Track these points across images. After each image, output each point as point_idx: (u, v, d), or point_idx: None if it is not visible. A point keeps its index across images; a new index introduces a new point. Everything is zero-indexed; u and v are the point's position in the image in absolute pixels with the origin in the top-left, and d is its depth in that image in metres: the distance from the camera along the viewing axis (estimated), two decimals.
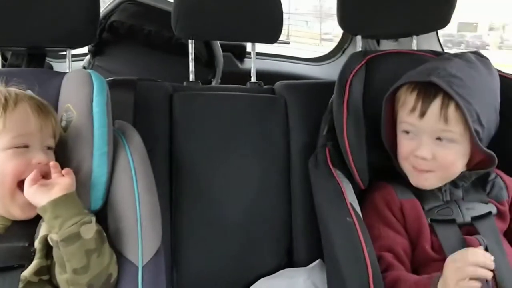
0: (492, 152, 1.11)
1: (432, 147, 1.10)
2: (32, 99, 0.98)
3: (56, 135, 1.00)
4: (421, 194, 1.16)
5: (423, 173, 1.12)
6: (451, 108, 1.07)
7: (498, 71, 1.21)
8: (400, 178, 1.18)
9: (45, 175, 0.93)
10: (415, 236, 1.13)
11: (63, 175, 0.93)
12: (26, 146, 0.93)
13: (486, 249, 1.06)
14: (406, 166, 1.16)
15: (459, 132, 1.08)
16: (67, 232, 0.87)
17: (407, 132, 1.13)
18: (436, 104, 1.07)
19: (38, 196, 0.90)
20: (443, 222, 1.12)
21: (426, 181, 1.14)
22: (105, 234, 0.93)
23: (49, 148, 0.98)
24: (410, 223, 1.13)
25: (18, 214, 0.93)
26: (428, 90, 1.09)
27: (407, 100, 1.12)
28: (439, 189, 1.16)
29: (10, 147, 0.91)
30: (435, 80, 1.07)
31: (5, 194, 0.91)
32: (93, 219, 0.92)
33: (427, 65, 1.16)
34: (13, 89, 0.98)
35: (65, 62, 1.37)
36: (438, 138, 1.09)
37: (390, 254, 1.09)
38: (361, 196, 1.21)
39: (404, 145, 1.14)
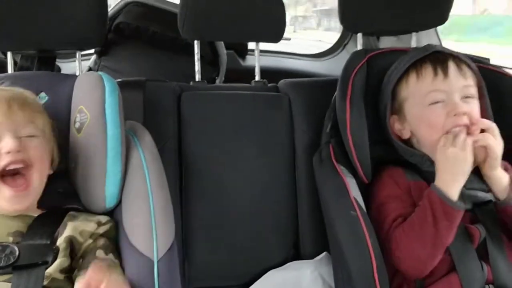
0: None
1: (464, 104, 1.14)
2: (1, 91, 0.99)
3: (37, 123, 1.00)
4: (428, 177, 1.18)
5: None
6: (463, 65, 1.18)
7: (492, 67, 1.31)
8: (406, 165, 1.21)
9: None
10: None
11: None
12: None
13: (485, 239, 1.10)
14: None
15: (474, 86, 1.18)
16: None
17: (436, 103, 1.15)
18: (451, 63, 1.17)
19: None
20: None
21: None
22: None
23: (29, 136, 0.97)
24: (418, 204, 1.15)
25: (6, 206, 0.94)
26: (437, 57, 1.18)
27: (424, 73, 1.18)
28: None
29: None
30: (438, 49, 1.21)
31: None
32: None
33: (413, 52, 1.25)
34: None
35: (72, 62, 1.40)
36: (463, 98, 1.15)
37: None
38: (367, 189, 1.23)
39: (437, 113, 1.15)
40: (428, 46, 1.23)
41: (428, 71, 1.17)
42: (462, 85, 1.16)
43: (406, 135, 1.22)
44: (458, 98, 1.14)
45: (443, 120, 1.13)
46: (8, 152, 0.92)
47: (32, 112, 0.99)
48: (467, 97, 1.15)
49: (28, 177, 0.95)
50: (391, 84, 1.22)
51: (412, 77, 1.19)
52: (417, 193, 1.16)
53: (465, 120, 1.12)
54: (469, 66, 1.19)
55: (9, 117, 0.95)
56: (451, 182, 1.08)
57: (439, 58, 1.18)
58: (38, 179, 0.97)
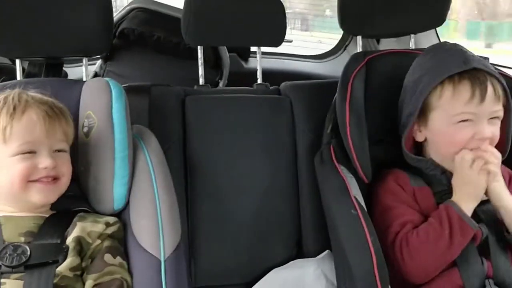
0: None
1: (489, 127, 1.14)
2: (43, 105, 1.01)
3: (68, 137, 1.05)
4: (431, 181, 1.20)
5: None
6: (499, 87, 1.14)
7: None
8: (408, 168, 1.23)
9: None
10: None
11: None
12: (33, 152, 0.97)
13: (486, 238, 1.12)
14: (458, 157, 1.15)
15: (502, 108, 1.16)
16: None
17: (464, 121, 1.13)
18: (490, 87, 1.12)
19: None
20: None
21: None
22: None
23: (60, 150, 1.01)
24: (422, 210, 1.18)
25: (38, 198, 0.98)
26: (476, 77, 1.13)
27: (461, 90, 1.13)
28: (443, 171, 1.20)
29: (17, 153, 0.96)
30: (479, 66, 1.13)
31: (16, 191, 0.96)
32: None
33: (448, 57, 1.17)
34: (26, 95, 1.01)
35: (77, 66, 1.42)
36: (489, 119, 1.14)
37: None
38: (369, 188, 1.26)
39: (463, 133, 1.14)
40: (468, 60, 1.14)
41: (465, 90, 1.12)
42: (494, 110, 1.14)
43: (420, 138, 1.22)
44: (486, 121, 1.13)
45: (467, 140, 1.13)
46: (45, 168, 0.97)
47: (66, 126, 1.04)
48: (493, 117, 1.15)
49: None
50: (423, 95, 1.17)
51: (448, 91, 1.14)
52: (421, 199, 1.19)
53: (487, 144, 1.13)
54: (503, 86, 1.16)
55: (48, 134, 0.99)
56: (467, 202, 1.11)
57: (479, 79, 1.12)
58: (63, 187, 1.03)
